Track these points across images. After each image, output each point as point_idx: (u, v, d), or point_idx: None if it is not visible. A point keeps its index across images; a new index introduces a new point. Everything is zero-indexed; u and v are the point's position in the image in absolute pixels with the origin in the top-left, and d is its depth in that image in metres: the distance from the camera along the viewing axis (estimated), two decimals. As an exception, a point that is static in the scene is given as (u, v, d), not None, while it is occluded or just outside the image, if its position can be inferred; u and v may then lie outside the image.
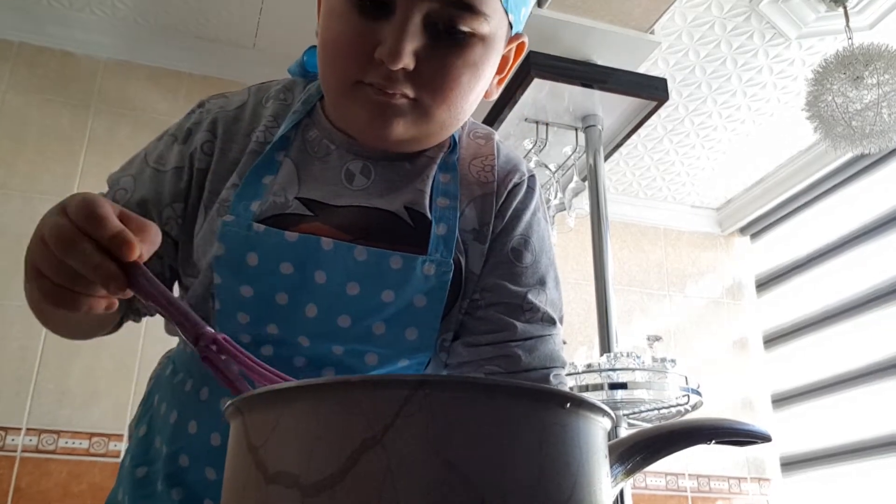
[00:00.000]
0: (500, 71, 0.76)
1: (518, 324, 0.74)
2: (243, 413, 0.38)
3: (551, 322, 0.76)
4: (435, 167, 0.76)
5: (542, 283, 0.77)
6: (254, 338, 0.70)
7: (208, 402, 0.72)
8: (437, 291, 0.70)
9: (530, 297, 0.75)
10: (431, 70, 0.67)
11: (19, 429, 2.09)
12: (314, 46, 0.77)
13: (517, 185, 0.79)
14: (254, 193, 0.71)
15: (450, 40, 0.67)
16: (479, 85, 0.71)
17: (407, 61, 0.65)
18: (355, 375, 0.43)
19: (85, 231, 0.49)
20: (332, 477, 0.33)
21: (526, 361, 0.73)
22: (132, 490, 0.74)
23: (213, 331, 0.51)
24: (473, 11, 0.66)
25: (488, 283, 0.76)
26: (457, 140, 0.79)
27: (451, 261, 0.71)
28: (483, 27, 0.67)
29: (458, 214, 0.74)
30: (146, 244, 0.50)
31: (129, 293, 0.52)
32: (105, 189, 0.77)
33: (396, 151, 0.75)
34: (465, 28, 0.66)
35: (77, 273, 0.49)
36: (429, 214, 0.73)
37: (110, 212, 0.49)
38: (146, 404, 0.80)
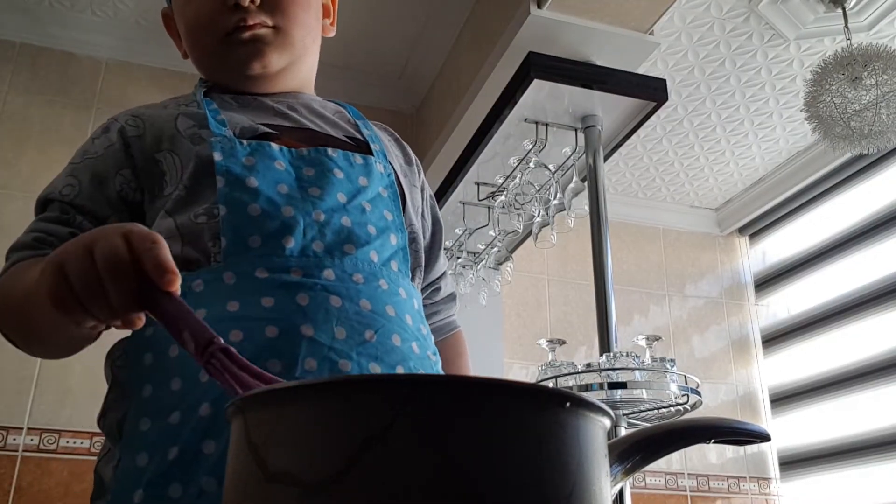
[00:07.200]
0: (327, 14, 0.95)
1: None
2: (244, 411, 0.38)
3: None
4: (347, 113, 0.92)
5: None
6: (269, 232, 0.73)
7: None
8: (391, 186, 0.85)
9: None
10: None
11: (20, 428, 2.08)
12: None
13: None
14: (221, 124, 0.80)
15: None
16: (312, 3, 0.89)
17: None
18: (355, 375, 0.43)
19: (137, 254, 0.53)
20: (333, 476, 0.33)
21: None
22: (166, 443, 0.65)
23: (222, 341, 0.52)
24: None
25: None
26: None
27: (391, 164, 0.87)
28: None
29: (380, 140, 0.90)
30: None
31: (140, 323, 0.56)
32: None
33: (284, 90, 0.89)
34: None
35: (102, 294, 0.53)
36: (363, 137, 0.88)
37: (166, 245, 0.55)
38: (136, 366, 0.71)
